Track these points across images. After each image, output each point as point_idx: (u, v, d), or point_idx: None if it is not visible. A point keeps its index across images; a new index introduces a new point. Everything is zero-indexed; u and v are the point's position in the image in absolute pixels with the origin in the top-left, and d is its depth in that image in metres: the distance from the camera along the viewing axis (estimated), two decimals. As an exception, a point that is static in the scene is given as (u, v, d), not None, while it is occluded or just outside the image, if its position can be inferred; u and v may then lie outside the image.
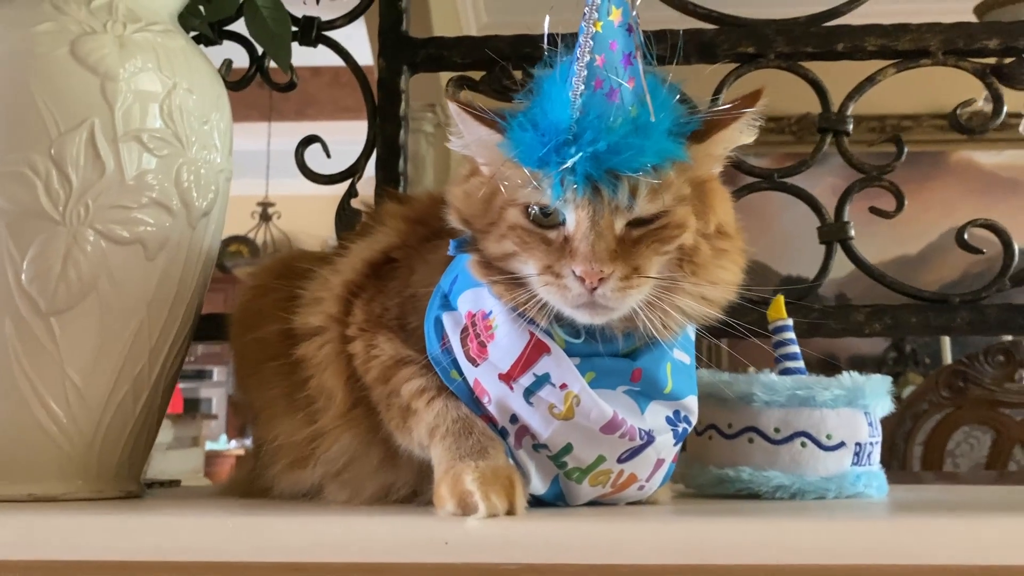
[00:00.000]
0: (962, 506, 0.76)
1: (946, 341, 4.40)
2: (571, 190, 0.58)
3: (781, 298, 0.88)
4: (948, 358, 4.28)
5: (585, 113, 0.57)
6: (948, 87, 1.28)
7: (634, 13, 0.60)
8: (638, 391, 0.64)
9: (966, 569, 0.56)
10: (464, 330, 0.64)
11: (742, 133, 0.64)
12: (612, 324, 0.62)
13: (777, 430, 0.78)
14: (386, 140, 1.10)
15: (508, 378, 0.62)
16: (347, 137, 1.42)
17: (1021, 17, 3.42)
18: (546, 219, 0.60)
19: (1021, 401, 2.41)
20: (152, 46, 0.82)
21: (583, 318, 0.60)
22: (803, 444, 0.78)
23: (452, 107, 0.63)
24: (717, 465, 0.79)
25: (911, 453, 2.44)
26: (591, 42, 0.58)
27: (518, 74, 1.11)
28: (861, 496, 0.78)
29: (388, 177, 1.08)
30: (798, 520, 0.60)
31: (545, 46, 0.62)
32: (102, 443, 0.79)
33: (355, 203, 1.05)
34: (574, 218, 0.59)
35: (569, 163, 0.57)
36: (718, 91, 1.07)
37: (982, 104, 1.09)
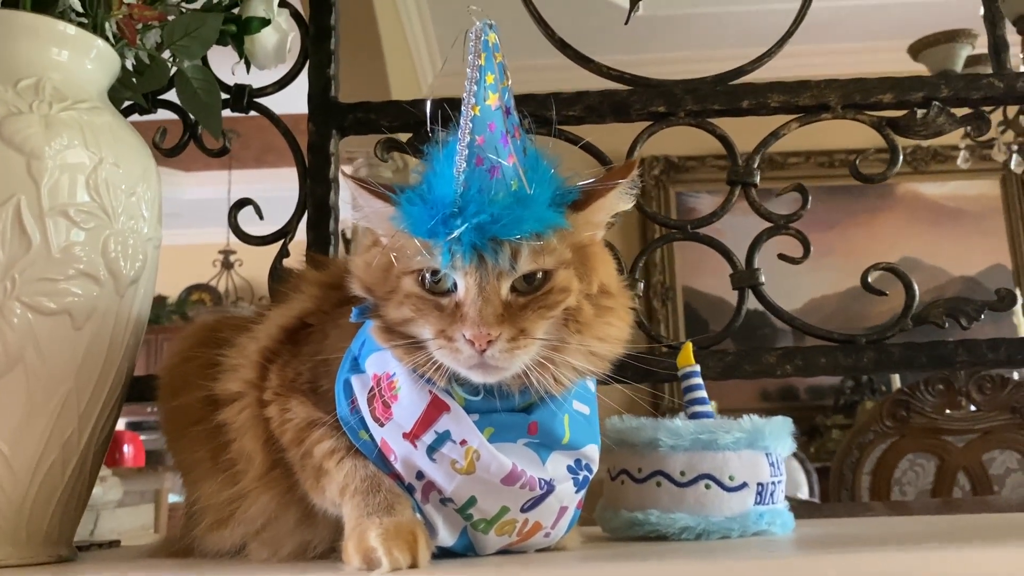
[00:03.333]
0: (856, 540, 0.80)
1: (896, 378, 4.49)
2: (458, 258, 0.62)
3: (689, 345, 0.93)
4: (898, 386, 4.37)
5: (468, 188, 0.62)
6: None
7: (507, 96, 0.65)
8: (537, 443, 0.68)
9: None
10: (371, 391, 0.68)
11: (620, 200, 0.68)
12: (507, 382, 0.66)
13: (683, 473, 0.82)
14: (316, 201, 1.14)
15: (412, 436, 0.65)
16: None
17: (952, 56, 3.55)
18: (437, 286, 0.65)
19: (962, 428, 2.48)
20: (78, 123, 0.85)
21: (476, 378, 0.64)
22: (707, 486, 0.82)
23: (349, 183, 0.67)
24: (629, 508, 0.83)
25: (860, 483, 2.49)
26: (471, 124, 0.63)
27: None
28: (765, 534, 0.82)
29: (319, 237, 1.12)
30: (695, 560, 0.64)
31: (428, 126, 0.67)
32: (31, 509, 0.81)
33: (288, 262, 1.08)
34: (463, 284, 0.64)
35: (455, 234, 0.61)
36: (633, 147, 1.13)
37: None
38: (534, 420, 0.67)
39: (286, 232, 1.14)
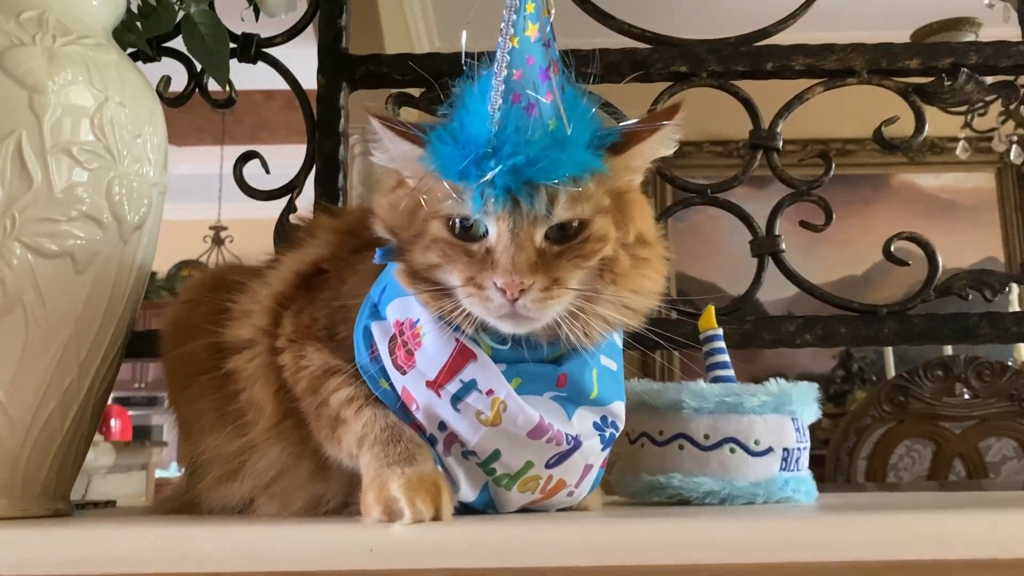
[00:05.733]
0: (889, 506, 0.77)
1: (890, 359, 4.49)
2: (491, 202, 0.59)
3: (711, 309, 0.90)
4: (892, 375, 4.37)
5: (503, 127, 0.58)
6: (889, 112, 1.31)
7: (548, 28, 0.62)
8: (564, 396, 0.65)
9: (890, 564, 0.58)
10: (392, 338, 0.64)
11: (661, 145, 0.65)
12: (536, 332, 0.63)
13: (706, 436, 0.79)
14: (325, 156, 1.10)
15: (435, 385, 0.62)
16: (297, 161, 1.42)
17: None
18: (468, 232, 0.61)
19: (959, 415, 2.47)
20: (83, 59, 0.82)
21: (506, 328, 0.61)
22: (732, 450, 0.79)
23: (374, 122, 0.63)
24: (649, 472, 0.80)
25: (856, 467, 2.48)
26: (508, 57, 0.59)
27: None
28: (789, 500, 0.80)
29: (327, 192, 1.08)
30: (721, 520, 0.61)
31: (463, 60, 0.63)
32: (28, 460, 0.78)
33: (293, 218, 1.05)
34: (495, 230, 0.60)
35: (489, 176, 0.58)
36: (652, 109, 1.09)
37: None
38: (563, 372, 0.64)
39: (293, 187, 1.10)
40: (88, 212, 0.80)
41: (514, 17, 0.60)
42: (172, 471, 5.43)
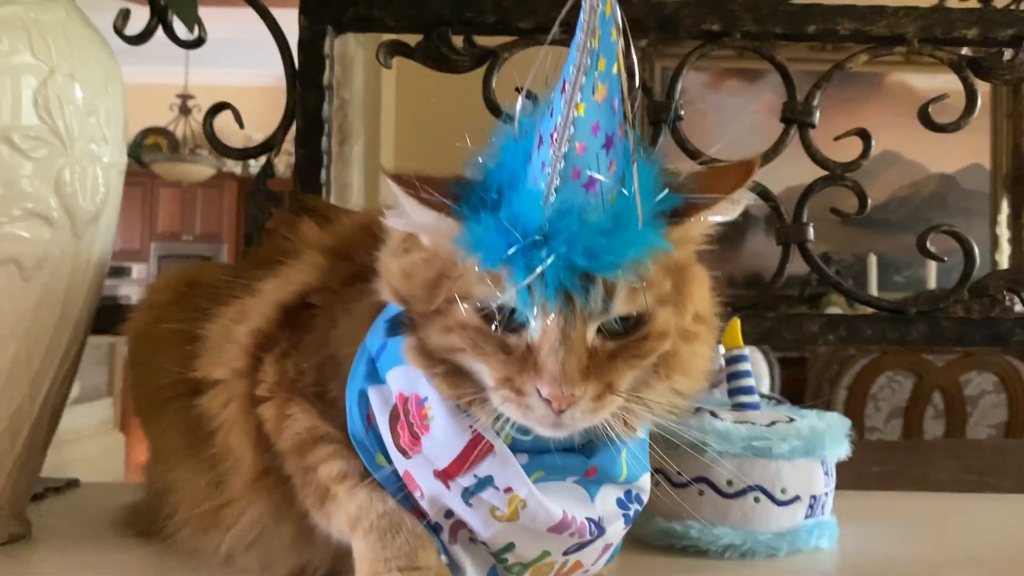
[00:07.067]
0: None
1: (872, 264, 4.47)
2: (539, 299, 0.48)
3: (737, 322, 0.81)
4: (874, 280, 4.36)
5: (557, 209, 0.47)
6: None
7: (618, 81, 0.49)
8: (589, 480, 0.57)
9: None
10: (394, 414, 0.56)
11: (728, 210, 0.53)
12: None
13: (730, 483, 0.73)
14: (307, 112, 0.98)
15: (445, 476, 0.54)
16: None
17: None
18: (505, 322, 0.50)
19: (944, 348, 2.45)
20: (22, 22, 0.69)
21: (545, 433, 0.52)
22: (756, 499, 0.72)
23: (394, 187, 0.51)
24: (665, 517, 0.74)
25: (836, 397, 2.48)
26: (572, 128, 0.48)
27: (458, 40, 1.00)
28: (812, 551, 0.74)
29: (309, 156, 0.97)
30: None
31: (504, 111, 0.51)
32: (-25, 489, 0.70)
33: (271, 223, 0.93)
34: (540, 328, 0.49)
35: (539, 270, 0.47)
36: (677, 73, 0.98)
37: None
38: (593, 465, 0.56)
39: (270, 146, 0.98)
40: (34, 209, 0.69)
41: (582, 79, 0.48)
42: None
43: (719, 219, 0.53)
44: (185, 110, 6.71)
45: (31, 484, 0.77)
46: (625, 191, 0.48)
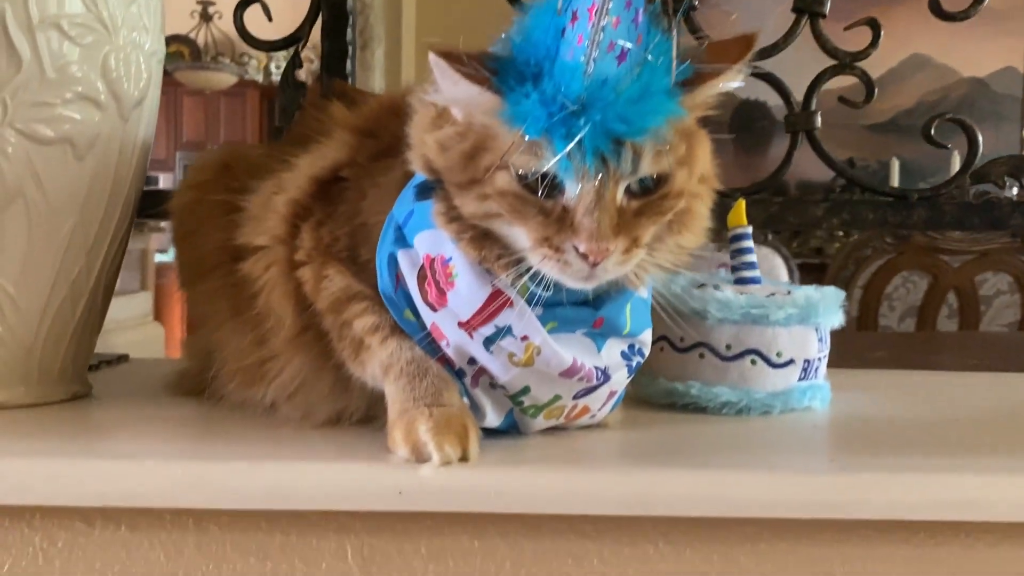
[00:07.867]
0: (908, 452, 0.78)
1: (895, 168, 4.45)
2: (578, 163, 0.54)
3: (742, 203, 0.86)
4: (896, 183, 4.35)
5: (595, 80, 0.52)
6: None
7: None
8: (597, 332, 0.63)
9: (907, 524, 0.59)
10: (421, 273, 0.62)
11: (732, 79, 0.59)
12: None
13: (728, 347, 0.79)
14: (331, 4, 1.01)
15: (468, 327, 0.60)
16: None
17: None
18: (544, 187, 0.56)
19: (961, 248, 2.48)
20: (65, -86, 0.72)
21: (576, 286, 0.59)
22: (753, 362, 0.78)
23: (435, 60, 0.55)
24: (667, 377, 0.80)
25: (852, 296, 2.52)
26: (610, 2, 0.52)
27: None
28: (806, 410, 0.80)
29: (334, 48, 1.01)
30: (742, 474, 0.61)
31: None
32: (42, 350, 0.77)
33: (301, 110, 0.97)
34: (577, 190, 0.55)
35: (579, 136, 0.52)
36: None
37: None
38: (601, 316, 0.62)
39: (297, 39, 1.02)
40: (84, 92, 0.74)
41: None
42: (170, 255, 5.49)
43: (727, 86, 0.58)
44: (206, 16, 6.66)
45: (90, 350, 0.84)
46: (652, 60, 0.53)
